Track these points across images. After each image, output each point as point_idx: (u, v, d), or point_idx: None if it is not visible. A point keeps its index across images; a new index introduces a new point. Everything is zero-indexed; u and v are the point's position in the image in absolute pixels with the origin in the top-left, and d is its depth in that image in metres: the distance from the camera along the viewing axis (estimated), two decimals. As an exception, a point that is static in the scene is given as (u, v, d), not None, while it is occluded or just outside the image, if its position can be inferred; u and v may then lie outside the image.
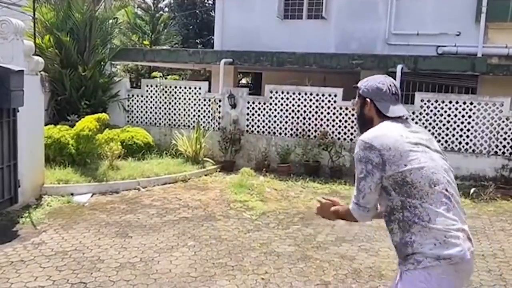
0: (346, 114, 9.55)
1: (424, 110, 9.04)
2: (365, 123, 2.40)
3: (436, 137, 8.99)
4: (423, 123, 9.05)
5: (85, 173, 7.67)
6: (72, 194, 7.00)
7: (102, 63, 11.01)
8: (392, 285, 2.41)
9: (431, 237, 2.07)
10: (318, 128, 9.72)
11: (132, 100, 11.13)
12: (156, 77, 11.35)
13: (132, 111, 11.13)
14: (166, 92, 10.83)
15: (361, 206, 2.26)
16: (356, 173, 2.26)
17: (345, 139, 9.58)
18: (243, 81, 22.78)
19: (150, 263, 4.64)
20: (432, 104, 9.01)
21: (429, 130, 9.01)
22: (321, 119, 9.72)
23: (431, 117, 9.02)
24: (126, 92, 11.13)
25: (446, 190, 2.16)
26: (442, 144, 8.97)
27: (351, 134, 9.54)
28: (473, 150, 8.84)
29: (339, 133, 9.62)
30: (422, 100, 9.06)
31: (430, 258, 2.06)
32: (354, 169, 2.31)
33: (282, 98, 9.97)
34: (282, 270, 4.58)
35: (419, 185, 2.12)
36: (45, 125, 7.94)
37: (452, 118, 8.91)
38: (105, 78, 10.97)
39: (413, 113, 9.10)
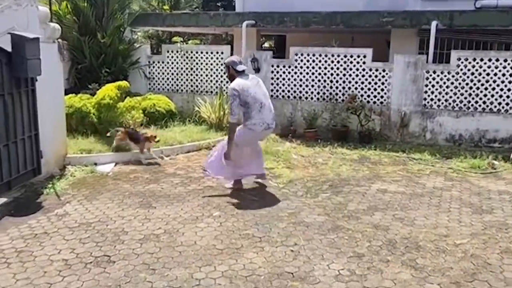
0: (376, 76, 9.07)
1: (461, 69, 8.47)
2: (231, 79, 5.56)
3: (473, 97, 8.47)
4: (460, 83, 8.50)
5: (108, 143, 7.53)
6: (95, 164, 6.89)
7: (121, 29, 10.72)
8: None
9: (252, 122, 5.45)
10: (347, 91, 9.29)
11: (153, 67, 10.87)
12: (177, 42, 11.03)
13: (154, 78, 10.89)
14: (187, 57, 10.51)
15: (234, 115, 5.36)
16: (230, 102, 5.40)
17: (375, 102, 9.14)
18: (266, 44, 22.20)
19: (174, 234, 4.47)
20: (469, 62, 8.42)
21: (466, 91, 8.50)
22: (349, 82, 9.27)
23: (468, 77, 8.45)
24: (147, 59, 10.87)
25: (260, 104, 5.45)
26: (480, 105, 8.45)
27: (381, 97, 9.08)
28: (514, 111, 8.29)
29: (368, 96, 9.17)
30: (459, 59, 8.47)
31: (248, 127, 5.49)
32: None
33: (307, 61, 9.53)
34: (312, 241, 4.34)
35: (250, 103, 5.38)
36: (67, 94, 7.81)
37: (491, 77, 8.32)
38: (125, 44, 10.69)
39: (449, 72, 8.55)
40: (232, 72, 5.56)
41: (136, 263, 3.86)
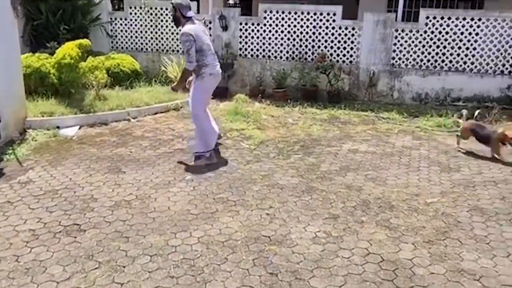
0: (345, 35, 8.96)
1: (429, 28, 8.47)
2: (176, 21, 5.33)
3: (440, 56, 8.53)
4: (427, 42, 8.53)
5: (71, 104, 7.20)
6: (58, 127, 6.58)
7: (79, -18, 10.06)
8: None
9: (211, 67, 5.28)
10: (316, 50, 9.16)
11: (116, 24, 10.34)
12: (140, -3, 10.50)
13: (116, 36, 10.39)
14: (152, 14, 10.04)
15: (193, 62, 5.11)
16: (185, 47, 5.08)
17: (344, 61, 9.07)
18: (231, 1, 21.52)
19: (146, 200, 4.35)
20: (437, 21, 8.41)
21: (433, 50, 8.54)
22: (319, 40, 9.13)
23: (435, 36, 8.47)
24: (108, 15, 10.31)
25: (212, 50, 5.37)
26: (446, 64, 8.53)
27: (351, 56, 9.01)
28: (479, 70, 8.43)
29: (337, 55, 9.08)
30: (427, 17, 8.44)
31: (209, 73, 5.27)
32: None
33: (277, 18, 9.28)
34: (287, 203, 4.33)
35: (205, 49, 5.21)
36: (23, 53, 7.32)
37: (458, 36, 8.38)
38: (84, 0, 10.08)
39: (417, 31, 8.54)
40: (179, 16, 5.24)
41: (108, 231, 3.75)
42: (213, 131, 5.47)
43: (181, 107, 8.07)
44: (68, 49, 7.53)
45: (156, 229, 3.79)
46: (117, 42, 10.42)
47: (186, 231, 3.75)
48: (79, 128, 6.75)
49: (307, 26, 9.13)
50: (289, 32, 9.26)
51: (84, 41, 7.77)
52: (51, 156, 5.57)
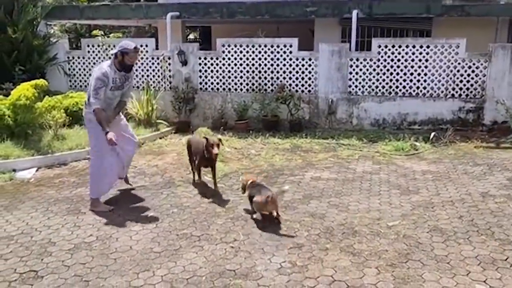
0: (303, 65, 9.20)
1: (382, 56, 8.83)
2: None
3: (394, 83, 8.87)
4: (381, 70, 8.87)
5: (27, 146, 7.00)
6: (14, 170, 6.38)
7: (34, 23, 9.99)
8: None
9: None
10: (275, 81, 9.35)
11: (73, 63, 10.26)
12: (97, 36, 10.50)
13: (74, 74, 10.29)
14: (109, 52, 10.00)
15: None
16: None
17: (303, 91, 9.28)
18: (191, 36, 21.82)
19: (107, 241, 4.23)
20: (389, 49, 8.79)
21: (387, 77, 8.87)
22: (277, 72, 9.33)
23: (388, 63, 8.83)
24: (65, 54, 10.23)
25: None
26: (400, 90, 8.87)
27: (309, 85, 9.24)
28: (431, 94, 8.79)
29: (296, 85, 9.29)
30: (379, 46, 8.81)
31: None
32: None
33: (235, 52, 9.46)
34: (252, 235, 4.30)
35: None
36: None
37: (409, 63, 8.76)
38: (40, 40, 9.99)
39: (371, 60, 8.87)
40: None
41: (67, 276, 3.60)
42: None
43: (143, 143, 7.99)
44: (24, 90, 7.37)
45: (118, 270, 3.68)
46: (75, 81, 10.31)
47: (149, 271, 3.66)
48: (37, 170, 6.56)
49: (265, 58, 9.34)
50: (247, 64, 9.43)
51: (40, 81, 7.64)
52: (6, 200, 5.36)
